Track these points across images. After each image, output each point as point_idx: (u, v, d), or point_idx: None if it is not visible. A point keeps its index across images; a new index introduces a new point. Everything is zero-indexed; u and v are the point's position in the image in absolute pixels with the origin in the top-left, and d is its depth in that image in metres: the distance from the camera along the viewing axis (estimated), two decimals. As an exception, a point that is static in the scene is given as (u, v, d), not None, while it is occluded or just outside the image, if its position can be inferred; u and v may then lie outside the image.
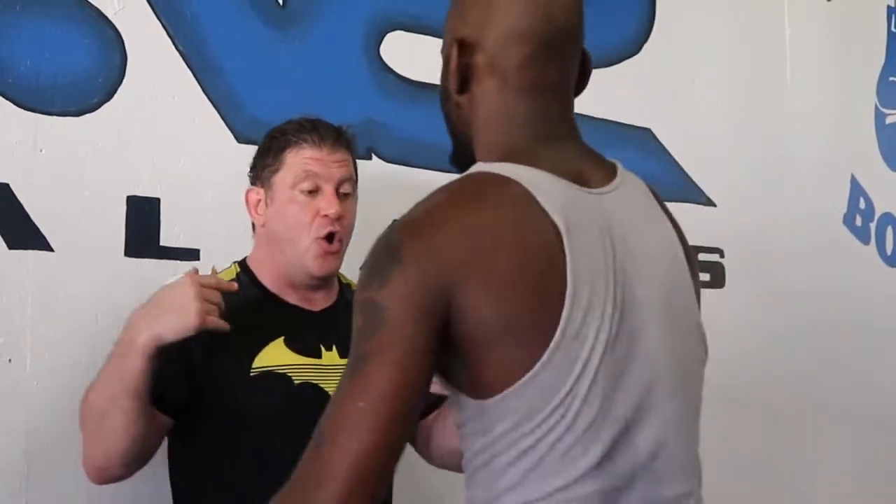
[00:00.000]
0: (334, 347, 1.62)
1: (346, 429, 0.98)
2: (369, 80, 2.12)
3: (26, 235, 1.70)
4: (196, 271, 1.48)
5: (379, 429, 0.97)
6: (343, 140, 1.65)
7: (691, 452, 1.15)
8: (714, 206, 2.67)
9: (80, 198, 1.75)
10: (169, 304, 1.43)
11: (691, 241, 1.25)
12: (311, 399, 1.54)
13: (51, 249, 1.71)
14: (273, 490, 1.43)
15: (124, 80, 1.81)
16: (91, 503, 1.64)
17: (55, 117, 1.74)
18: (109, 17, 1.80)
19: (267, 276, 1.64)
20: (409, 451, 1.75)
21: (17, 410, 1.66)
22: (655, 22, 2.58)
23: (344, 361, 1.59)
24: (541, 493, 1.05)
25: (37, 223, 1.71)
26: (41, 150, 1.72)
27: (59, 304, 1.71)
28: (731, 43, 2.78)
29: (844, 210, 3.03)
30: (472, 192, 1.08)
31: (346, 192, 1.63)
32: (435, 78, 2.22)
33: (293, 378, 1.57)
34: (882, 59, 3.19)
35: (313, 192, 1.60)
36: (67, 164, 1.74)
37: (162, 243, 1.82)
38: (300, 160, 1.60)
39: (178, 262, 1.77)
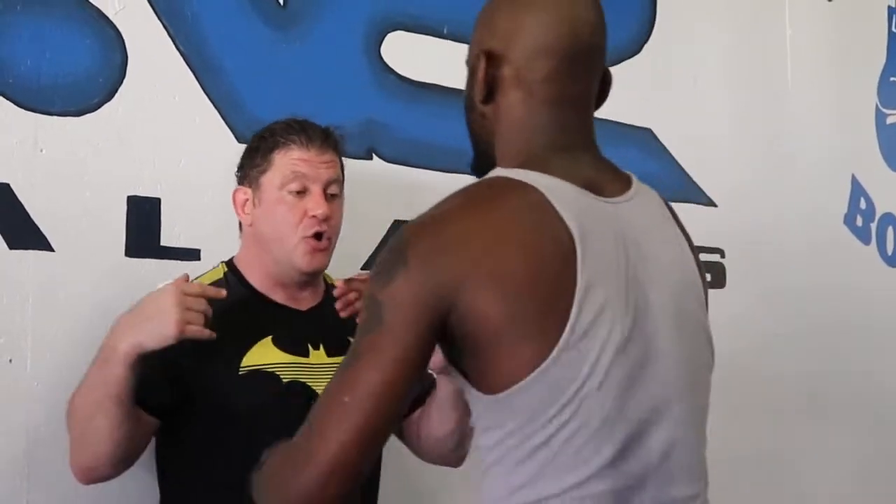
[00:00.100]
0: (321, 346, 1.63)
1: (331, 421, 1.04)
2: (370, 80, 2.12)
3: (27, 235, 1.69)
4: (187, 277, 1.47)
5: (360, 425, 1.03)
6: (331, 141, 1.65)
7: (699, 455, 1.18)
8: (715, 206, 2.67)
9: (80, 198, 1.75)
10: (150, 311, 1.42)
11: (692, 241, 1.25)
12: (300, 397, 1.55)
13: (51, 249, 1.71)
14: None
15: (125, 81, 1.80)
16: (92, 503, 1.64)
17: (56, 117, 1.73)
18: (110, 17, 1.80)
19: (254, 276, 1.65)
20: (402, 450, 1.76)
21: (17, 410, 1.65)
22: (656, 22, 2.58)
23: (331, 360, 1.62)
24: (555, 490, 1.07)
25: (37, 223, 1.71)
26: (42, 150, 1.72)
27: (59, 304, 1.71)
28: (731, 43, 2.78)
29: (845, 210, 3.03)
30: (487, 194, 1.12)
31: (334, 192, 1.64)
32: (435, 78, 2.23)
33: (281, 377, 1.58)
34: (883, 60, 3.19)
35: (301, 192, 1.61)
36: (68, 164, 1.74)
37: (162, 243, 1.82)
38: (288, 161, 1.61)
39: (179, 262, 1.77)
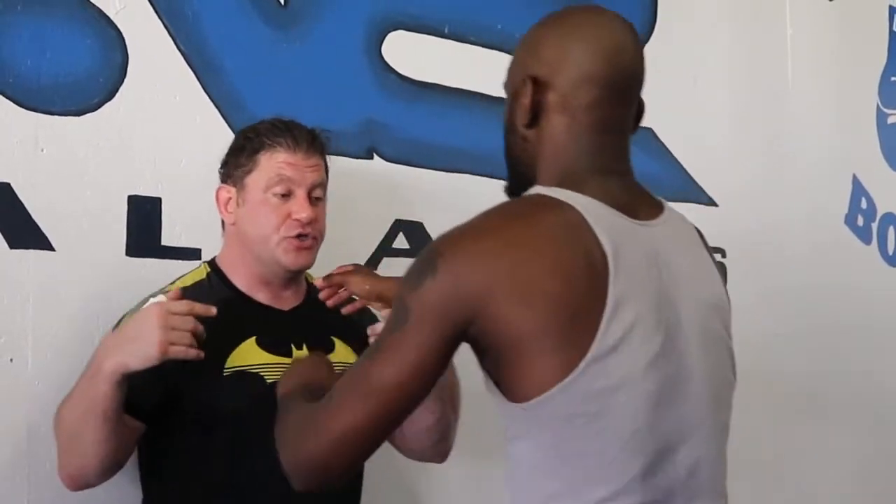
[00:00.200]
0: (304, 346, 1.62)
1: (345, 402, 1.12)
2: (371, 80, 2.12)
3: (27, 235, 1.69)
4: (179, 294, 1.46)
5: (371, 414, 1.11)
6: (317, 145, 1.65)
7: (722, 472, 1.23)
8: (716, 205, 2.67)
9: (81, 197, 1.75)
10: (135, 332, 1.41)
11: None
12: None
13: (52, 249, 1.71)
14: (246, 491, 1.45)
15: (125, 80, 1.80)
16: (92, 503, 1.64)
17: (56, 117, 1.73)
18: (111, 16, 1.80)
19: (237, 276, 1.65)
20: (392, 453, 1.76)
21: (18, 410, 1.65)
22: (657, 22, 2.58)
23: None
24: (585, 502, 1.11)
25: (38, 223, 1.71)
26: (42, 150, 1.72)
27: (60, 303, 1.71)
28: (732, 42, 2.78)
29: (846, 210, 3.03)
30: (524, 211, 1.16)
31: (318, 196, 1.64)
32: (436, 77, 2.23)
33: (265, 377, 1.58)
34: (884, 59, 3.19)
35: (286, 195, 1.60)
36: (68, 164, 1.74)
37: (163, 243, 1.82)
38: (274, 164, 1.60)
39: (180, 261, 1.77)
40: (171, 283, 1.64)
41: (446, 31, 2.20)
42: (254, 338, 1.60)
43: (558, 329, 1.08)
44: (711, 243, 2.60)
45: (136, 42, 1.82)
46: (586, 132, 1.21)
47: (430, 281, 1.11)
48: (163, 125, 1.84)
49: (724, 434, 1.24)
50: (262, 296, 1.65)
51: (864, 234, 3.07)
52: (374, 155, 2.10)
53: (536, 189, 1.20)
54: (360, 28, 2.11)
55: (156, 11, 1.84)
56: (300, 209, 1.60)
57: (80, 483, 1.52)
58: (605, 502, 1.10)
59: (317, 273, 1.69)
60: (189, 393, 1.52)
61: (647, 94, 1.33)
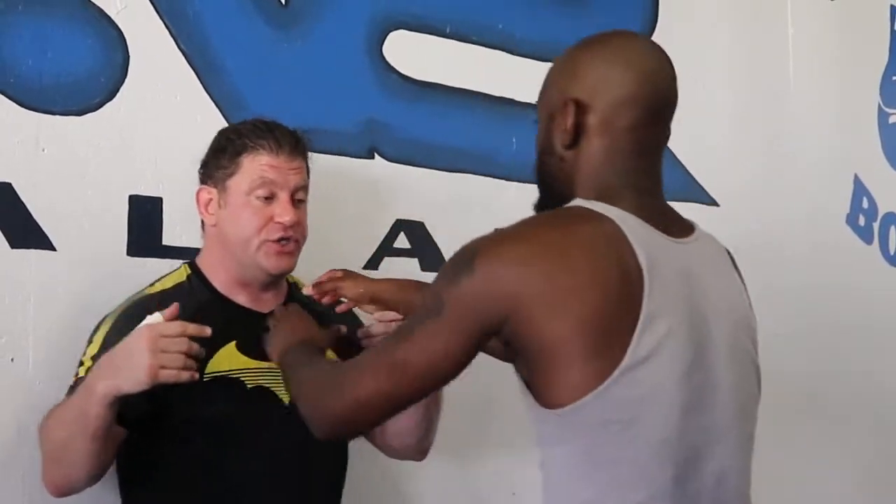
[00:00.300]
0: None
1: (370, 370, 1.19)
2: (372, 80, 2.12)
3: (28, 235, 1.70)
4: (175, 314, 1.43)
5: (388, 391, 1.17)
6: (300, 146, 1.64)
7: (746, 484, 1.25)
8: (717, 205, 2.67)
9: (82, 197, 1.75)
10: (126, 356, 1.39)
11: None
12: (265, 402, 1.56)
13: (53, 249, 1.71)
14: (226, 498, 1.49)
15: (126, 80, 1.80)
16: (92, 503, 1.64)
17: (57, 117, 1.74)
18: (112, 16, 1.80)
19: (217, 277, 1.64)
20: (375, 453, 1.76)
21: (18, 410, 1.65)
22: (658, 22, 2.58)
23: None
24: None
25: (39, 222, 1.71)
26: (43, 150, 1.72)
27: (61, 303, 1.71)
28: (733, 42, 2.78)
29: (847, 210, 3.03)
30: (563, 221, 1.19)
31: (301, 198, 1.63)
32: (438, 77, 2.23)
33: (246, 382, 1.57)
34: (885, 59, 3.18)
35: (269, 198, 1.59)
36: (70, 164, 1.74)
37: (164, 243, 1.82)
38: (257, 166, 1.59)
39: (181, 261, 1.76)
40: (151, 285, 1.64)
41: (448, 30, 2.20)
42: (234, 342, 1.58)
43: (592, 338, 1.11)
44: (712, 243, 2.54)
45: (137, 42, 1.82)
46: (624, 152, 1.24)
47: (467, 279, 1.14)
48: (164, 125, 1.84)
49: (750, 445, 1.26)
50: (242, 298, 1.64)
51: (865, 234, 3.07)
52: (376, 155, 2.10)
53: (577, 201, 1.23)
54: (361, 28, 2.11)
55: (157, 11, 1.84)
56: (283, 212, 1.58)
57: (64, 491, 1.52)
58: None
59: (307, 278, 1.68)
60: (169, 399, 1.49)
61: (647, 95, 1.34)
